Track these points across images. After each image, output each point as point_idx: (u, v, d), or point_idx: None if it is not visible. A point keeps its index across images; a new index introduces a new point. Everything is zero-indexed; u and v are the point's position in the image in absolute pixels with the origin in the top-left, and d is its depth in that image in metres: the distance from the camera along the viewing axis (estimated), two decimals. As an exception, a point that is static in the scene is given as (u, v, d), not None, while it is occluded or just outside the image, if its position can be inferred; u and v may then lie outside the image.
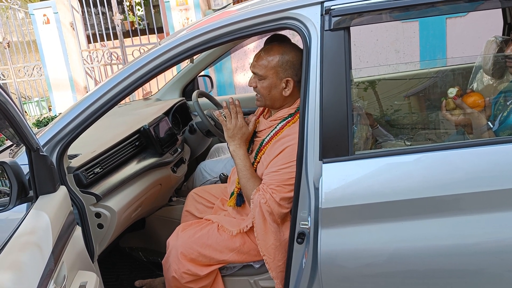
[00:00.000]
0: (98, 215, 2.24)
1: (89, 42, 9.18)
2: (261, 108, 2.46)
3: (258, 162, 2.24)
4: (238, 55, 7.72)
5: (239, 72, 7.92)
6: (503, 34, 2.80)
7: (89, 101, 2.04)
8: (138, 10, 12.84)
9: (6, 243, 1.45)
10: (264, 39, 2.38)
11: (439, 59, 6.51)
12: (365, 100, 2.73)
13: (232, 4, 2.85)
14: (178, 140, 3.24)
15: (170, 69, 2.12)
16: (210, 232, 2.31)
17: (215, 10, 2.75)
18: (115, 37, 8.33)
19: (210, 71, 7.60)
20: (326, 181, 1.77)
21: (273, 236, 2.12)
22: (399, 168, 1.80)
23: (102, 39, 8.71)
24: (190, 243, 2.30)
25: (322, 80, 1.80)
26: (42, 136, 2.02)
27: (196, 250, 2.28)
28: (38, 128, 8.38)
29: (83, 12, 8.79)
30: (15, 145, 2.40)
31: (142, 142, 2.90)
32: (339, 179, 1.78)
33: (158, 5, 9.75)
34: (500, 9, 2.75)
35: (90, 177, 2.29)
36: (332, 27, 1.78)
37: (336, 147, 1.79)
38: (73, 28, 8.87)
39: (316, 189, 1.80)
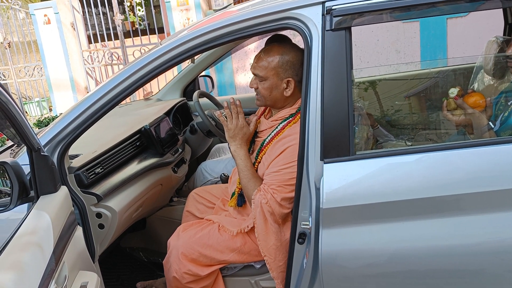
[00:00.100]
0: (99, 215, 2.24)
1: (89, 42, 9.19)
2: (262, 108, 2.46)
3: (259, 162, 2.24)
4: (239, 55, 7.72)
5: (240, 72, 7.92)
6: (504, 34, 2.80)
7: (90, 101, 2.04)
8: (139, 10, 12.84)
9: (7, 243, 1.45)
10: (265, 39, 2.38)
11: (440, 59, 6.51)
12: (366, 100, 2.73)
13: (233, 4, 2.85)
14: (179, 140, 3.24)
15: (171, 69, 2.11)
16: (211, 232, 2.31)
17: (216, 10, 2.75)
18: (116, 37, 8.33)
19: (211, 71, 7.60)
20: (327, 181, 1.77)
21: (274, 236, 2.12)
22: (400, 168, 1.79)
23: (102, 39, 8.71)
24: (191, 243, 2.30)
25: (323, 80, 1.80)
26: (43, 136, 2.02)
27: (197, 250, 2.28)
28: (38, 128, 8.38)
29: (83, 12, 8.80)
30: (16, 145, 2.40)
31: (143, 142, 2.90)
32: (340, 179, 1.78)
33: (159, 5, 9.75)
34: (501, 9, 2.75)
35: (91, 177, 2.29)
36: (333, 27, 1.78)
37: (337, 147, 1.79)
38: (74, 28, 8.87)
39: (317, 189, 1.80)
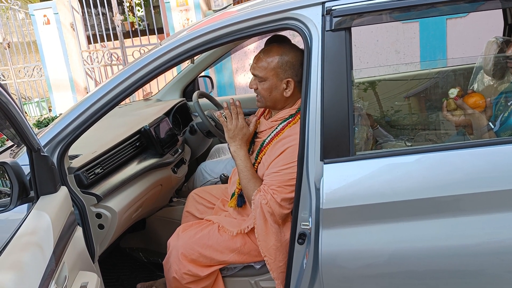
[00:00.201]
0: (98, 215, 2.24)
1: (89, 42, 9.18)
2: (262, 109, 2.46)
3: (259, 163, 2.24)
4: (239, 56, 7.72)
5: (240, 72, 7.92)
6: (504, 35, 2.80)
7: (90, 101, 2.04)
8: (138, 10, 12.85)
9: (8, 243, 1.45)
10: (265, 39, 2.38)
11: (439, 59, 6.51)
12: (366, 100, 2.73)
13: (232, 4, 2.85)
14: (179, 140, 3.24)
15: (170, 70, 2.12)
16: (210, 233, 2.31)
17: (215, 11, 2.75)
18: (115, 38, 8.33)
19: (211, 71, 7.60)
20: (327, 182, 1.77)
21: (274, 237, 2.12)
22: (400, 168, 1.80)
23: (102, 40, 8.71)
24: (191, 243, 2.30)
25: (323, 80, 1.80)
26: (43, 137, 2.02)
27: (197, 250, 2.28)
28: (38, 129, 8.38)
29: (83, 12, 8.80)
30: (16, 145, 2.40)
31: (142, 142, 2.90)
32: (340, 180, 1.78)
33: (158, 5, 9.75)
34: (501, 9, 2.75)
35: (91, 177, 2.29)
36: (333, 28, 1.78)
37: (337, 148, 1.79)
38: (73, 29, 8.87)
39: (317, 190, 1.80)
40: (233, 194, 2.41)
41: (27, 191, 1.70)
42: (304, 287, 1.93)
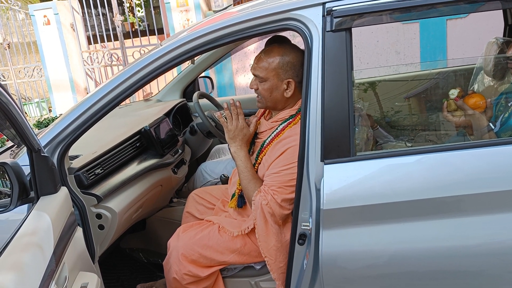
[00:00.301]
0: (99, 216, 2.24)
1: (89, 43, 9.18)
2: (262, 109, 2.45)
3: (259, 163, 2.24)
4: (239, 56, 7.72)
5: (240, 73, 7.92)
6: (504, 36, 2.80)
7: (90, 102, 2.04)
8: (138, 11, 12.86)
9: (8, 244, 1.45)
10: (265, 40, 2.38)
11: (439, 60, 6.51)
12: (366, 101, 2.73)
13: (233, 5, 2.85)
14: (179, 141, 3.24)
15: (171, 70, 2.12)
16: (211, 234, 2.31)
17: (216, 11, 2.75)
18: (116, 38, 8.33)
19: (211, 72, 7.60)
20: (327, 182, 1.77)
21: (275, 237, 2.12)
22: (400, 169, 1.80)
23: (102, 40, 8.71)
24: (191, 244, 2.30)
25: (323, 81, 1.80)
26: (43, 137, 2.02)
27: (197, 251, 2.28)
28: (38, 129, 8.38)
29: (83, 13, 8.80)
30: (16, 146, 2.40)
31: (143, 143, 2.90)
32: (340, 180, 1.78)
33: (159, 6, 9.74)
34: (501, 10, 2.75)
35: (91, 178, 2.29)
36: (333, 28, 1.78)
37: (337, 148, 1.79)
38: (74, 29, 8.87)
39: (318, 190, 1.80)
40: (233, 195, 2.41)
41: (27, 192, 1.69)
42: (305, 287, 1.93)
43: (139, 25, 12.27)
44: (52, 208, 1.69)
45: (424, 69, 3.95)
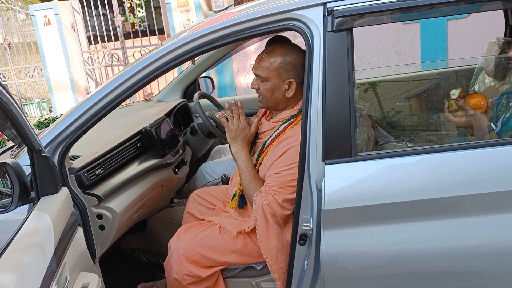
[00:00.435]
0: (99, 216, 2.24)
1: (90, 43, 9.19)
2: (263, 110, 2.45)
3: (260, 163, 2.24)
4: (239, 57, 7.72)
5: (240, 73, 7.92)
6: (505, 36, 2.80)
7: (91, 102, 2.04)
8: (139, 11, 12.86)
9: (8, 244, 1.45)
10: (265, 40, 2.38)
11: (440, 60, 6.51)
12: (366, 101, 2.73)
13: (233, 5, 2.85)
14: (180, 141, 3.24)
15: (171, 71, 2.12)
16: (211, 234, 2.31)
17: (216, 12, 2.75)
18: (116, 39, 8.34)
19: (211, 72, 7.60)
20: (328, 183, 1.76)
21: (276, 238, 2.11)
22: (401, 169, 1.79)
23: (103, 41, 8.71)
24: (192, 244, 2.30)
25: (324, 81, 1.79)
26: (44, 137, 2.02)
27: (198, 251, 2.28)
28: (39, 130, 8.38)
29: (84, 13, 8.80)
30: (17, 146, 2.40)
31: (143, 143, 2.89)
32: (341, 181, 1.78)
33: (159, 6, 9.74)
34: (502, 10, 2.75)
35: (91, 178, 2.29)
36: (334, 28, 1.78)
37: (338, 149, 1.78)
38: (74, 30, 8.88)
39: (319, 191, 1.79)
40: (234, 195, 2.41)
41: (28, 192, 1.69)
42: (306, 288, 1.93)
43: (140, 25, 12.26)
44: (53, 208, 1.69)
45: (425, 69, 3.95)
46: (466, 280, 1.79)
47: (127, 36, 8.93)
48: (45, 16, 8.92)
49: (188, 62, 3.37)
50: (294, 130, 2.15)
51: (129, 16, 10.06)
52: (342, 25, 1.77)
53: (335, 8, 1.77)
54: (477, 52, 5.19)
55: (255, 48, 7.22)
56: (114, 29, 8.36)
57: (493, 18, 3.19)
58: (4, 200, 1.76)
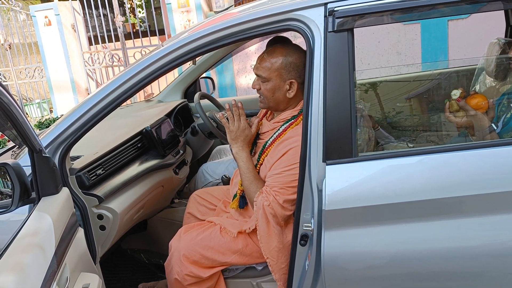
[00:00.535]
0: (100, 216, 2.24)
1: (90, 44, 9.19)
2: (264, 110, 2.45)
3: (261, 164, 2.24)
4: (240, 57, 7.73)
5: (241, 74, 7.92)
6: (506, 36, 2.80)
7: (91, 102, 2.03)
8: (140, 12, 12.87)
9: (9, 244, 1.45)
10: (266, 41, 2.37)
11: (441, 61, 6.51)
12: (367, 102, 2.73)
13: (234, 6, 2.85)
14: (180, 141, 3.24)
15: (172, 71, 2.12)
16: (212, 234, 2.31)
17: (217, 12, 2.75)
18: (117, 39, 8.34)
19: (212, 73, 7.60)
20: (329, 183, 1.76)
21: (276, 238, 2.11)
22: (402, 170, 1.79)
23: (103, 41, 8.71)
24: (193, 245, 2.29)
25: (325, 81, 1.79)
26: (44, 138, 2.02)
27: (199, 252, 2.27)
28: (39, 130, 8.38)
29: (84, 14, 8.80)
30: (17, 146, 2.40)
31: (144, 143, 2.89)
32: (342, 181, 1.78)
33: (160, 7, 9.75)
34: (503, 11, 2.74)
35: (92, 178, 2.29)
36: (335, 29, 1.77)
37: (339, 149, 1.78)
38: (75, 30, 8.88)
39: (320, 191, 1.79)
40: (235, 196, 2.41)
41: (29, 192, 1.69)
42: (306, 288, 1.93)
43: (140, 26, 12.27)
44: (54, 209, 1.69)
45: (426, 69, 3.95)
46: (466, 281, 1.78)
47: (127, 36, 8.94)
48: (46, 17, 8.92)
49: (189, 62, 3.37)
50: (295, 130, 2.15)
51: (130, 16, 10.06)
52: (343, 26, 1.77)
53: (336, 9, 1.77)
54: (478, 53, 5.20)
55: (255, 48, 7.23)
56: (115, 30, 8.36)
57: (494, 19, 3.18)
58: (5, 200, 1.76)
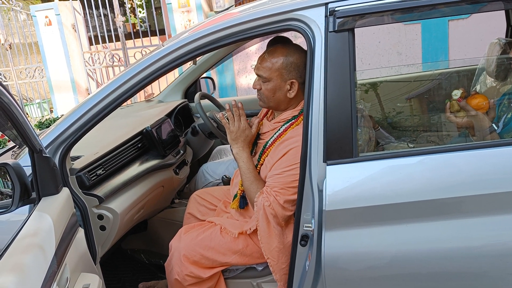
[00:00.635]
0: (100, 217, 2.24)
1: (90, 44, 9.19)
2: (265, 110, 2.45)
3: (262, 164, 2.24)
4: (240, 57, 7.73)
5: (241, 74, 7.92)
6: (507, 36, 2.80)
7: (91, 102, 2.03)
8: (140, 12, 12.87)
9: (9, 245, 1.45)
10: (266, 41, 2.37)
11: (441, 61, 6.51)
12: (368, 102, 2.73)
13: (234, 6, 2.85)
14: (181, 142, 3.24)
15: (172, 71, 2.12)
16: (212, 235, 2.31)
17: (217, 12, 2.75)
18: (117, 39, 8.34)
19: (212, 73, 7.60)
20: (330, 183, 1.76)
21: (277, 239, 2.11)
22: (403, 170, 1.79)
23: (104, 41, 8.71)
24: (193, 245, 2.29)
25: (326, 81, 1.79)
26: (44, 138, 2.02)
27: (199, 252, 2.27)
28: (40, 130, 8.38)
29: (85, 14, 8.80)
30: (17, 146, 2.40)
31: (144, 144, 2.89)
32: (343, 181, 1.78)
33: (160, 7, 9.75)
34: (503, 11, 2.74)
35: (92, 178, 2.29)
36: (336, 29, 1.77)
37: (340, 149, 1.78)
38: (75, 30, 8.88)
39: (320, 191, 1.79)
40: (235, 196, 2.41)
41: (29, 193, 1.69)
42: (307, 289, 1.93)
43: (141, 26, 12.26)
44: (54, 209, 1.69)
45: (426, 70, 3.95)
46: (467, 281, 1.78)
47: (128, 36, 8.94)
48: (46, 17, 8.92)
49: (189, 62, 3.36)
50: (295, 130, 2.15)
51: (130, 16, 10.06)
52: (344, 26, 1.77)
53: (336, 9, 1.77)
54: (478, 53, 5.19)
55: (256, 48, 7.23)
56: (115, 30, 8.36)
57: (494, 19, 3.18)
58: (5, 200, 1.76)
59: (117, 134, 2.82)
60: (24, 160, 1.91)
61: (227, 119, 2.29)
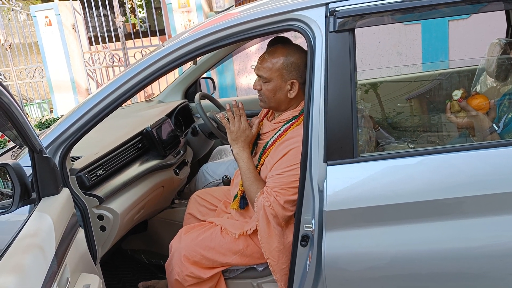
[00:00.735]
0: (100, 217, 2.24)
1: (91, 44, 9.20)
2: (265, 110, 2.45)
3: (262, 164, 2.24)
4: (241, 57, 7.73)
5: (242, 74, 7.92)
6: (507, 37, 2.80)
7: (92, 103, 2.03)
8: (140, 12, 12.87)
9: (9, 245, 1.45)
10: (267, 41, 2.37)
11: (441, 61, 6.51)
12: (368, 102, 2.72)
13: (234, 6, 2.85)
14: (181, 142, 3.23)
15: (172, 71, 2.12)
16: (213, 235, 2.31)
17: (217, 12, 2.75)
18: (117, 39, 8.34)
19: (212, 73, 7.61)
20: (330, 184, 1.76)
21: (277, 239, 2.11)
22: (403, 170, 1.79)
23: (104, 41, 8.72)
24: (193, 245, 2.29)
25: (326, 82, 1.79)
26: (45, 138, 2.02)
27: (199, 252, 2.27)
28: (40, 130, 8.38)
29: (85, 14, 8.81)
30: (18, 146, 2.40)
31: (144, 144, 2.89)
32: (343, 182, 1.78)
33: (160, 7, 9.75)
34: (504, 11, 2.74)
35: (92, 179, 2.29)
36: (336, 29, 1.77)
37: (340, 149, 1.78)
38: (75, 30, 8.88)
39: (321, 192, 1.79)
40: (235, 196, 2.40)
41: (29, 193, 1.69)
42: (307, 289, 1.93)
43: (141, 26, 12.26)
44: (54, 209, 1.69)
45: (426, 70, 3.95)
46: (467, 282, 1.78)
47: (128, 36, 8.94)
48: (46, 17, 8.92)
49: (189, 62, 3.37)
50: (296, 131, 2.15)
51: (130, 16, 10.06)
52: (344, 26, 1.77)
53: (337, 9, 1.77)
54: (479, 53, 5.19)
55: (256, 49, 7.23)
56: (115, 30, 8.36)
57: (495, 19, 3.18)
58: (5, 201, 1.76)
59: (117, 134, 2.82)
60: (24, 161, 1.91)
61: (228, 119, 2.28)
